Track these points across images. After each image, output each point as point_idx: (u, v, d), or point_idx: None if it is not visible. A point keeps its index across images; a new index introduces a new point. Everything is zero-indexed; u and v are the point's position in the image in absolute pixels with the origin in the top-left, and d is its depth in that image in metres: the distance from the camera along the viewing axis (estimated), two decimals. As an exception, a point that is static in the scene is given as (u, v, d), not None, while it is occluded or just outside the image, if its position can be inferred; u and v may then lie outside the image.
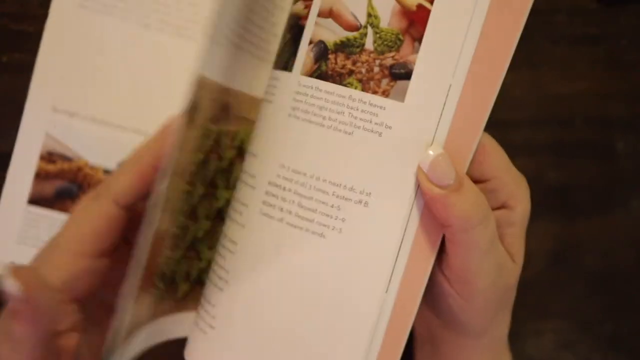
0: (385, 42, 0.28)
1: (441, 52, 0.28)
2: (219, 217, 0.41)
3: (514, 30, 0.28)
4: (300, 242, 0.29)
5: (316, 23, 0.29)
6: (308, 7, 0.30)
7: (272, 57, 0.36)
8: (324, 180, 0.29)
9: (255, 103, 0.38)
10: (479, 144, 0.28)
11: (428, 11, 0.27)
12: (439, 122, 0.28)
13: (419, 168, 0.28)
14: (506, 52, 0.28)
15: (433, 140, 0.28)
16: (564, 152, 0.45)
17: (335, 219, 0.28)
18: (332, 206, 0.28)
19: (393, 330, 0.29)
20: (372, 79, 0.28)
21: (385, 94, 0.28)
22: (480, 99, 0.28)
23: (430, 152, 0.27)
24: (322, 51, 0.29)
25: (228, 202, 0.40)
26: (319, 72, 0.29)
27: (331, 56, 0.29)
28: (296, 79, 0.30)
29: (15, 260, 0.42)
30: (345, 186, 0.28)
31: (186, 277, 0.41)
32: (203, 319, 0.32)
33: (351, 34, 0.29)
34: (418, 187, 0.28)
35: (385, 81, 0.28)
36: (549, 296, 0.44)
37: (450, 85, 0.28)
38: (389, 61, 0.28)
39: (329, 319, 0.29)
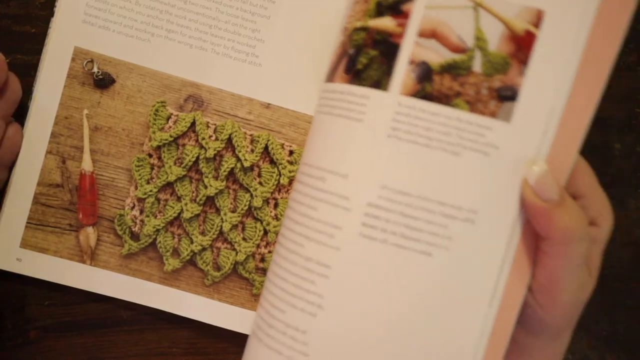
0: (494, 65, 0.29)
1: (546, 75, 0.29)
2: (213, 206, 0.42)
3: (610, 54, 0.29)
4: (406, 262, 0.29)
5: (416, 43, 0.30)
6: (402, 25, 0.30)
7: (260, 60, 0.40)
8: (431, 200, 0.29)
9: (242, 101, 0.42)
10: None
11: (534, 36, 0.29)
12: (542, 141, 0.29)
13: (525, 182, 0.28)
14: (603, 74, 0.29)
15: (536, 158, 0.29)
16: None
17: (443, 238, 0.29)
18: (439, 225, 0.29)
19: (494, 343, 0.30)
20: (479, 100, 0.29)
21: (493, 115, 0.29)
22: (579, 119, 0.29)
23: (536, 168, 0.28)
24: (426, 72, 0.29)
25: (220, 193, 0.42)
26: (423, 93, 0.29)
27: (436, 77, 0.29)
28: (395, 99, 0.30)
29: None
30: (452, 205, 0.29)
31: (174, 253, 0.42)
32: (290, 346, 0.31)
33: (458, 56, 0.29)
34: (521, 203, 0.29)
35: (492, 103, 0.29)
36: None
37: (553, 106, 0.29)
38: (496, 84, 0.29)
39: (434, 335, 0.29)
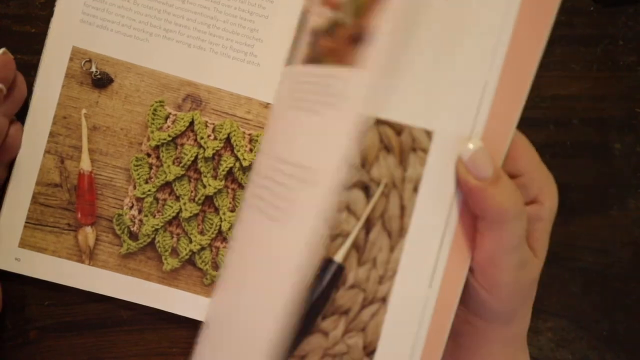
0: (358, 11, 0.27)
1: (475, 49, 0.27)
2: (212, 206, 0.42)
3: (545, 24, 0.28)
4: (262, 229, 0.28)
5: (317, 14, 0.29)
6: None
7: (258, 59, 0.40)
8: (291, 163, 0.28)
9: (240, 100, 0.42)
10: (511, 139, 0.28)
11: None
12: (476, 117, 0.27)
13: (459, 160, 0.27)
14: (538, 47, 0.28)
15: (472, 134, 0.27)
16: (561, 153, 0.45)
17: (289, 201, 0.27)
18: (289, 188, 0.27)
19: (436, 325, 0.29)
20: (345, 52, 0.27)
21: (352, 64, 0.27)
22: (515, 92, 0.28)
23: (470, 146, 0.27)
24: (314, 37, 0.29)
25: (219, 192, 0.42)
26: (310, 58, 0.29)
27: (321, 40, 0.28)
28: (295, 70, 0.30)
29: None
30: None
31: (173, 252, 0.42)
32: (206, 322, 0.32)
33: (336, 14, 0.28)
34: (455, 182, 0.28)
35: (351, 49, 0.27)
36: (546, 295, 0.44)
37: (486, 82, 0.27)
38: (356, 29, 0.27)
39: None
